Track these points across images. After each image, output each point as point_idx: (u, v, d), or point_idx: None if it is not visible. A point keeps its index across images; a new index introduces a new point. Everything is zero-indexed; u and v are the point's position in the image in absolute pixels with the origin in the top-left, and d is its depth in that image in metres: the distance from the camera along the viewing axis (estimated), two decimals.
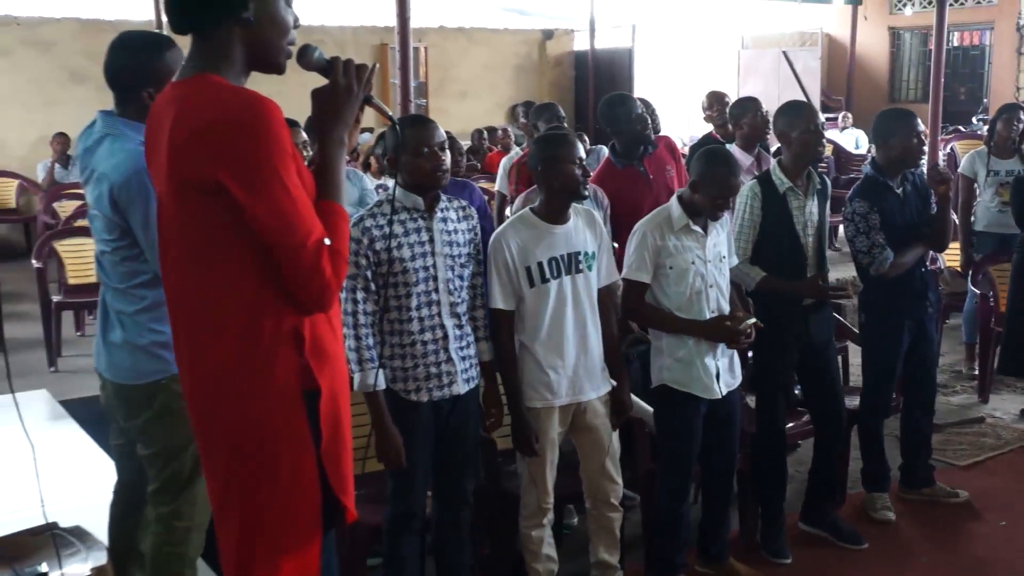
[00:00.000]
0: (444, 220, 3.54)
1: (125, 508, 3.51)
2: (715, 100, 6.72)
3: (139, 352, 3.15)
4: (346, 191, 4.47)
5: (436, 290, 3.50)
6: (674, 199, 4.03)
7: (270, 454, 2.19)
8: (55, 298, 7.53)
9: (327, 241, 2.14)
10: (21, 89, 12.16)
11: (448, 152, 3.54)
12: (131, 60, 3.12)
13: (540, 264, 3.71)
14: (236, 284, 2.15)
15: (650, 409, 4.21)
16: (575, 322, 3.77)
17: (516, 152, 7.49)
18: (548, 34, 16.69)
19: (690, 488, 4.15)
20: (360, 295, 3.44)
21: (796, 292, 4.40)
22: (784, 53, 18.79)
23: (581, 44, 16.63)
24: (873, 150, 4.78)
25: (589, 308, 3.81)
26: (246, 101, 2.07)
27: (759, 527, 4.57)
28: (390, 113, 2.61)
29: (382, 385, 3.46)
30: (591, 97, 14.84)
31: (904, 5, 18.86)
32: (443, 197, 3.58)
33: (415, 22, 7.85)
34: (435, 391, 3.53)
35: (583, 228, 3.82)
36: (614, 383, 3.92)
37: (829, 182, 4.66)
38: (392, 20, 7.74)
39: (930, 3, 16.68)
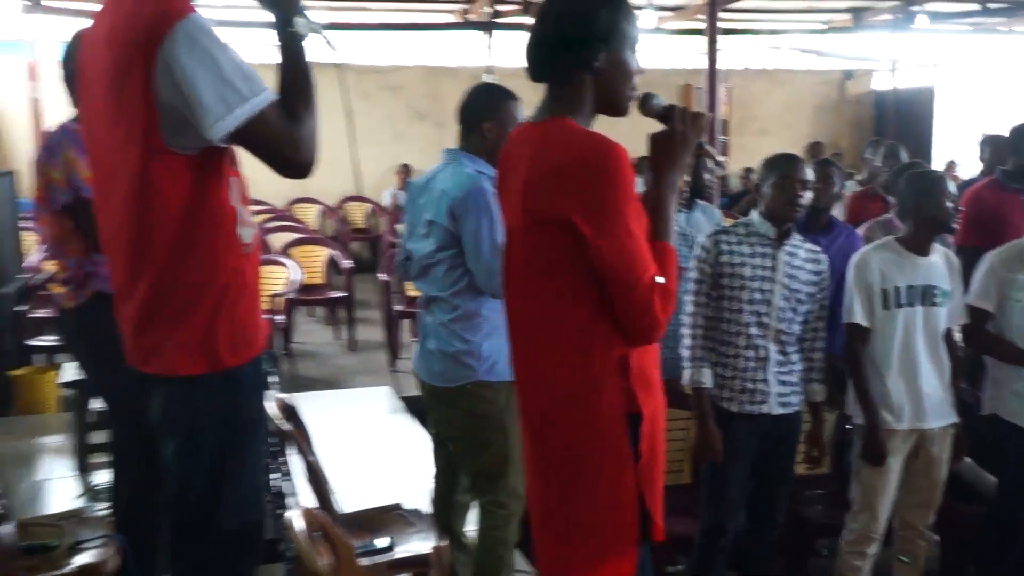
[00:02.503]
0: (791, 254, 3.51)
1: (441, 492, 3.75)
2: None
3: (449, 359, 3.36)
4: (701, 223, 4.59)
5: (768, 314, 3.46)
6: None
7: (594, 471, 2.19)
8: (397, 307, 7.87)
9: (659, 280, 2.11)
10: (375, 126, 12.86)
11: (809, 191, 3.52)
12: (478, 100, 3.38)
13: (897, 288, 3.62)
14: (571, 312, 2.15)
15: (987, 477, 4.01)
16: (923, 351, 3.63)
17: (853, 187, 7.28)
18: (848, 74, 16.05)
19: (1020, 527, 3.80)
20: (703, 299, 3.49)
21: None
22: None
23: (880, 84, 15.90)
24: None
25: (936, 340, 3.67)
26: (599, 146, 2.07)
27: None
28: (719, 159, 2.58)
29: (709, 384, 3.48)
30: (891, 136, 14.14)
31: None
32: (796, 236, 3.56)
33: (721, 64, 7.79)
34: (746, 405, 3.49)
35: (942, 266, 3.69)
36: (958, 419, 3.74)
37: None
38: (697, 63, 7.72)
39: None
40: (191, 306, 2.24)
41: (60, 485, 4.89)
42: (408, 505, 3.51)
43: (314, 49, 2.31)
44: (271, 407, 3.13)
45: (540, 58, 2.24)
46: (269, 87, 2.19)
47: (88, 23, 2.42)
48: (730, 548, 3.63)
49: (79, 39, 2.73)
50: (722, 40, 7.29)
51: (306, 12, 2.29)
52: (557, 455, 2.24)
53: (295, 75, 2.26)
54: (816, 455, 3.68)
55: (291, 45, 2.26)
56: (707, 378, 3.49)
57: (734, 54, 14.36)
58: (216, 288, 2.26)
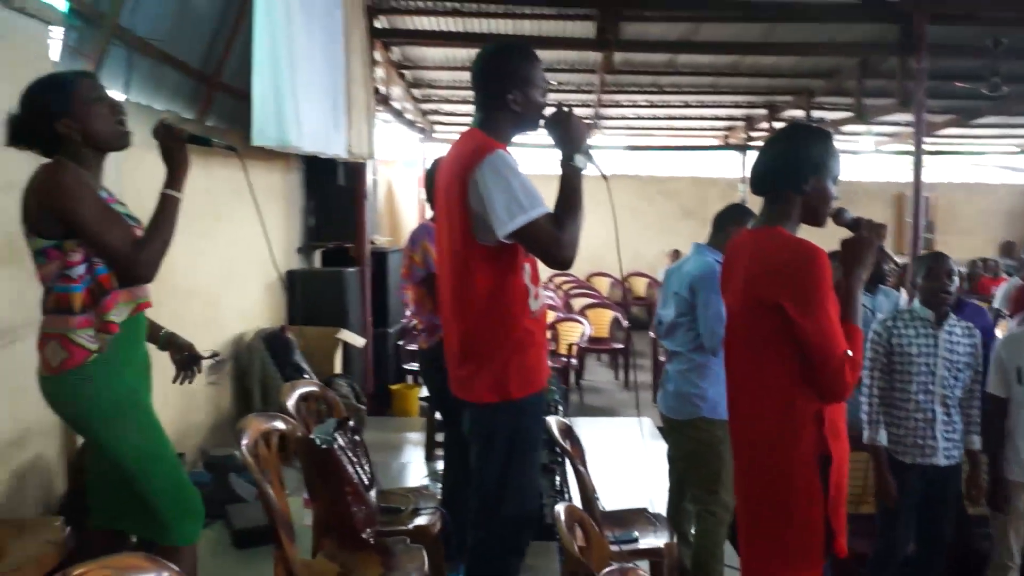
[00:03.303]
0: (950, 333, 3.20)
1: (673, 501, 3.68)
2: None
3: (682, 398, 3.32)
4: (882, 304, 4.27)
5: (932, 383, 3.15)
6: None
7: (792, 502, 2.06)
8: (661, 358, 7.77)
9: (849, 353, 1.98)
10: (655, 221, 13.07)
11: (955, 280, 3.22)
12: (730, 212, 3.39)
13: None
14: (779, 375, 2.05)
15: None
16: None
17: (1016, 281, 6.45)
18: None
19: None
20: (877, 373, 3.23)
21: None
22: None
23: None
24: None
25: None
26: (805, 249, 1.99)
27: None
28: (896, 260, 2.39)
29: (884, 442, 3.21)
30: None
31: None
32: (953, 317, 3.24)
33: (929, 178, 7.18)
34: (917, 457, 3.17)
35: None
36: None
37: None
38: (908, 177, 7.18)
39: None
40: (491, 354, 2.30)
41: (415, 467, 5.14)
42: (652, 509, 3.41)
43: (594, 169, 2.32)
44: (555, 428, 3.15)
45: (763, 178, 2.16)
46: (546, 202, 2.23)
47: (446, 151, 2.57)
48: (899, 569, 3.30)
49: (437, 164, 2.93)
50: (929, 159, 6.68)
51: (589, 148, 2.32)
52: (763, 487, 2.12)
53: (566, 195, 2.27)
54: (975, 494, 3.30)
55: (569, 173, 2.29)
56: (882, 437, 3.21)
57: (941, 169, 13.30)
58: (510, 343, 2.31)
